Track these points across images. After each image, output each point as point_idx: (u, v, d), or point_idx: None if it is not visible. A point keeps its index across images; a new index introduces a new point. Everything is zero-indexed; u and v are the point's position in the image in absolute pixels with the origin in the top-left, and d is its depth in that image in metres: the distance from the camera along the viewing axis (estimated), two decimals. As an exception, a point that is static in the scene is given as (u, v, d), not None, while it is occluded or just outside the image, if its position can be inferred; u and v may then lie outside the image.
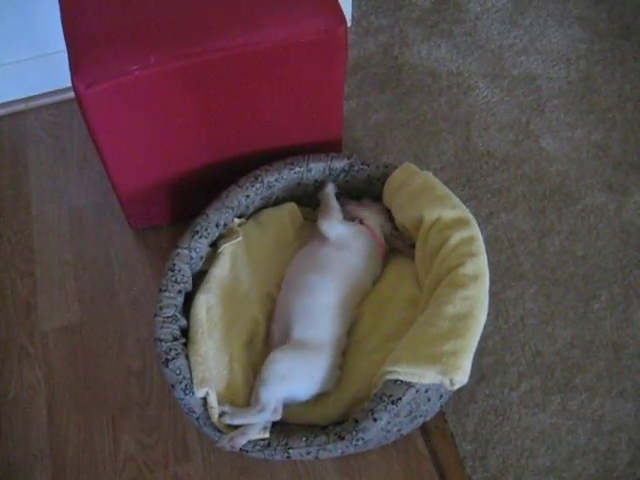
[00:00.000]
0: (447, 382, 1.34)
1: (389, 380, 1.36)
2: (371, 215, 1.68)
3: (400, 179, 1.65)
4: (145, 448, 1.57)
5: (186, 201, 1.79)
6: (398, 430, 1.45)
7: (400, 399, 1.34)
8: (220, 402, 1.42)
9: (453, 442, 1.56)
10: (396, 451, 1.54)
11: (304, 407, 1.49)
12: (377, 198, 1.75)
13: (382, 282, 1.65)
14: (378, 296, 1.62)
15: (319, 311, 1.51)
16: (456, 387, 1.36)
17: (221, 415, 1.40)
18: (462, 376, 1.34)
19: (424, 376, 1.34)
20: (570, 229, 1.86)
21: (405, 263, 1.66)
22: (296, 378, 1.43)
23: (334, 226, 1.63)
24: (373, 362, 1.48)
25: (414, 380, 1.34)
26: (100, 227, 1.91)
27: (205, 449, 1.56)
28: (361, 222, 1.67)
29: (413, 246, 1.63)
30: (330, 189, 1.70)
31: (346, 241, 1.61)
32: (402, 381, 1.35)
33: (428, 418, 1.51)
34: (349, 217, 1.69)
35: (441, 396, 1.45)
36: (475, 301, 1.40)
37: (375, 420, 1.34)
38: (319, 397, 1.49)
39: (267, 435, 1.40)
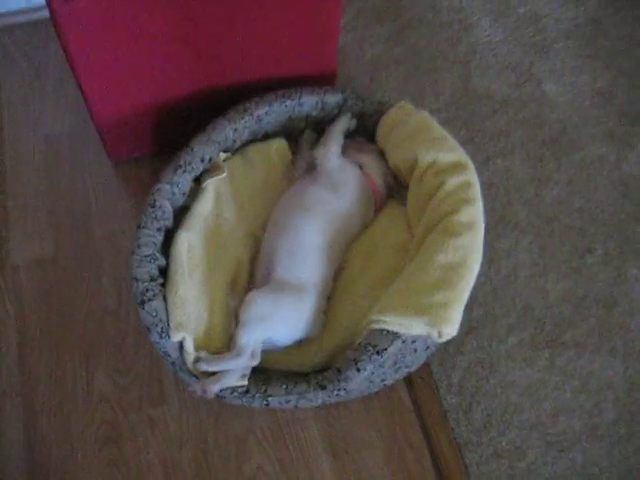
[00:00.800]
0: (435, 334, 1.30)
1: (375, 329, 1.31)
2: (372, 162, 1.61)
3: (395, 118, 1.57)
4: (119, 389, 1.53)
5: (170, 131, 1.70)
6: (382, 380, 1.41)
7: (385, 349, 1.29)
8: (197, 348, 1.36)
9: (437, 394, 1.53)
10: (379, 401, 1.51)
11: (285, 353, 1.44)
12: (369, 137, 1.67)
13: (372, 226, 1.59)
14: (367, 241, 1.56)
15: (303, 251, 1.45)
16: (444, 339, 1.31)
17: (196, 361, 1.34)
18: (451, 329, 1.29)
19: (411, 327, 1.29)
20: (568, 179, 1.79)
21: (397, 207, 1.60)
22: (276, 321, 1.37)
23: (331, 156, 1.56)
24: (359, 309, 1.43)
25: (401, 331, 1.29)
26: (77, 157, 1.83)
27: (181, 392, 1.52)
28: (360, 168, 1.59)
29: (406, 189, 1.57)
30: (343, 121, 1.62)
31: (337, 181, 1.54)
32: (388, 331, 1.30)
33: (413, 369, 1.47)
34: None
35: (427, 347, 1.40)
36: (468, 250, 1.34)
37: (359, 370, 1.30)
38: (301, 343, 1.44)
39: (245, 382, 1.35)
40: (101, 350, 1.57)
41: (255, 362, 1.34)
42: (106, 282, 1.65)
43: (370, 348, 1.30)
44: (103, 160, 1.80)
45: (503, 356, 1.56)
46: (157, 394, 1.52)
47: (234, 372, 1.32)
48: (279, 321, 1.37)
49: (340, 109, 1.64)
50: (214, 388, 1.31)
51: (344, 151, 1.61)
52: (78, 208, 1.75)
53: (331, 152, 1.57)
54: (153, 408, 1.50)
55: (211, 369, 1.33)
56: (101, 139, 1.72)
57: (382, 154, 1.63)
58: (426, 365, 1.54)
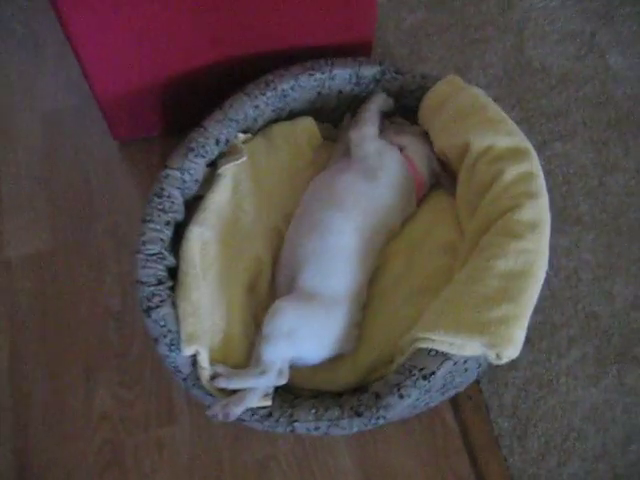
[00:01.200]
0: (493, 355, 1.10)
1: (421, 349, 1.12)
2: (415, 144, 1.40)
3: (443, 94, 1.37)
4: (123, 405, 1.35)
5: (182, 109, 1.51)
6: (426, 404, 1.22)
7: (433, 374, 1.10)
8: (213, 362, 1.18)
9: (487, 417, 1.33)
10: (420, 424, 1.32)
11: (314, 369, 1.24)
12: (410, 118, 1.47)
13: (414, 222, 1.38)
14: (408, 239, 1.35)
15: (334, 255, 1.25)
16: (503, 362, 1.10)
17: (214, 377, 1.16)
18: (513, 350, 1.09)
19: (465, 347, 1.09)
20: (637, 166, 1.58)
21: (443, 199, 1.39)
22: (304, 337, 1.18)
23: (367, 139, 1.35)
24: (400, 320, 1.24)
25: (452, 351, 1.10)
26: (78, 138, 1.64)
27: (194, 410, 1.34)
28: (401, 152, 1.38)
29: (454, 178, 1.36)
30: (379, 98, 1.41)
31: (374, 166, 1.33)
32: (437, 351, 1.10)
33: (461, 389, 1.27)
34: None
35: (480, 365, 1.20)
36: (533, 255, 1.13)
37: (402, 397, 1.10)
38: (333, 359, 1.24)
39: (269, 403, 1.17)
40: (103, 360, 1.39)
41: (283, 380, 1.16)
42: (109, 281, 1.47)
43: (415, 372, 1.10)
44: (107, 141, 1.61)
45: (564, 372, 1.37)
46: (166, 412, 1.34)
47: (257, 391, 1.14)
48: (308, 337, 1.19)
49: (377, 84, 1.42)
50: (237, 410, 1.13)
51: (381, 133, 1.40)
52: (79, 196, 1.57)
53: (366, 134, 1.36)
54: (161, 428, 1.33)
55: (231, 386, 1.15)
56: (104, 118, 1.54)
57: (426, 136, 1.42)
58: (475, 382, 1.34)
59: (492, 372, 1.35)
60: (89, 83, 1.42)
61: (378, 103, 1.41)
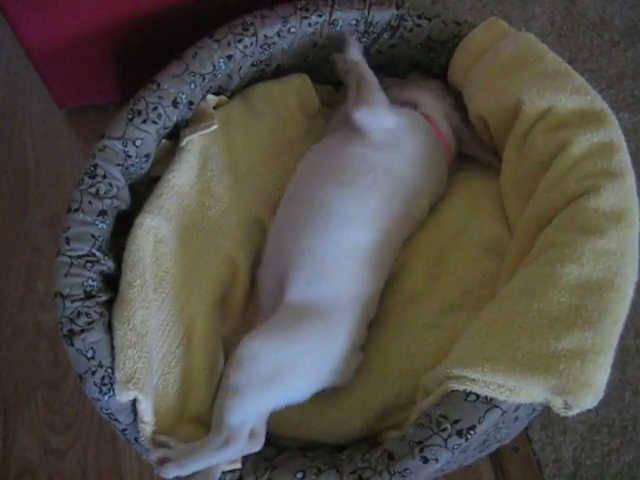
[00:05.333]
0: (559, 403, 0.77)
1: (455, 392, 0.80)
2: (430, 99, 1.08)
3: (482, 43, 1.07)
4: (53, 454, 1.07)
5: (139, 67, 1.17)
6: (458, 464, 0.90)
7: (473, 428, 0.77)
8: (160, 417, 0.87)
9: (540, 475, 1.02)
10: (449, 485, 1.00)
11: (304, 412, 0.92)
12: (439, 78, 1.16)
13: (443, 211, 1.05)
14: (434, 235, 1.03)
15: (340, 252, 0.93)
16: (574, 412, 0.77)
17: (160, 462, 0.84)
18: (592, 397, 0.76)
19: (520, 391, 0.77)
20: None
21: (481, 181, 1.06)
22: (291, 377, 0.86)
23: (382, 117, 1.01)
24: (423, 346, 0.94)
25: (500, 397, 0.77)
26: (16, 107, 1.39)
27: (144, 464, 1.02)
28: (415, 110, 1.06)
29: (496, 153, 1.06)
30: (355, 51, 1.07)
31: (395, 139, 1.00)
32: (478, 396, 0.78)
33: (507, 441, 0.94)
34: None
35: (533, 410, 0.89)
36: (617, 259, 0.81)
37: (426, 461, 0.79)
38: (329, 397, 0.92)
39: (238, 466, 0.86)
40: (29, 392, 1.11)
41: (257, 447, 0.85)
42: (42, 289, 1.21)
43: (446, 425, 0.78)
44: (51, 110, 1.36)
45: None
46: (109, 464, 1.06)
47: (221, 465, 0.84)
48: (295, 376, 0.87)
49: (393, 33, 1.11)
50: (175, 472, 0.83)
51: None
52: (13, 176, 1.31)
53: (380, 110, 1.01)
54: (103, 486, 1.04)
55: (185, 473, 0.83)
56: (44, 81, 1.29)
57: (449, 91, 1.13)
58: (523, 429, 1.01)
59: (545, 415, 1.04)
60: (16, 35, 1.16)
61: (358, 51, 1.07)
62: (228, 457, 0.83)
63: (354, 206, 0.95)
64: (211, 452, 0.82)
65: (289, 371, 0.86)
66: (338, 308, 0.91)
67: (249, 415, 0.83)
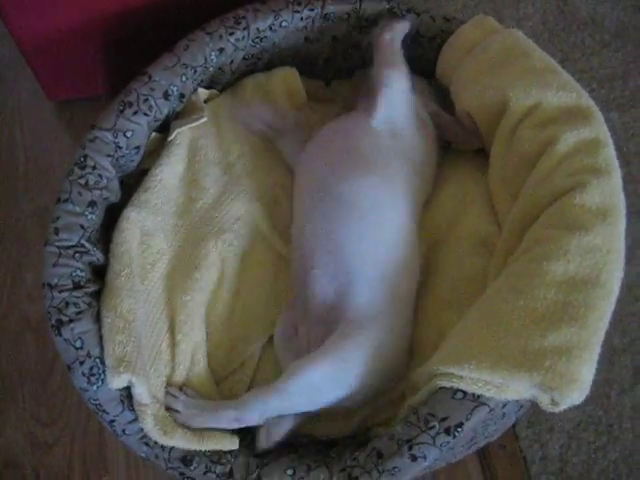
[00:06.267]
0: (546, 400, 0.78)
1: (443, 389, 0.81)
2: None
3: (470, 40, 1.08)
4: (39, 448, 1.07)
5: (130, 59, 1.18)
6: (446, 461, 0.90)
7: (461, 426, 0.79)
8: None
9: (527, 472, 1.03)
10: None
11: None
12: (426, 74, 1.16)
13: (432, 207, 1.06)
14: (426, 230, 1.03)
15: (394, 248, 0.94)
16: (561, 408, 0.78)
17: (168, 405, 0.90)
18: (577, 393, 0.77)
19: (507, 388, 0.78)
20: None
21: (471, 177, 1.07)
22: (339, 393, 0.88)
23: (404, 84, 1.04)
24: (414, 341, 0.95)
25: (487, 394, 0.79)
26: (5, 98, 1.38)
27: (132, 457, 1.04)
28: None
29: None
30: (403, 28, 1.08)
31: (402, 127, 1.03)
32: (465, 393, 0.79)
33: (494, 438, 0.95)
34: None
35: (521, 407, 0.90)
36: (603, 255, 0.83)
37: (414, 459, 0.80)
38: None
39: (235, 446, 0.88)
40: (15, 385, 1.11)
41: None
42: (31, 281, 1.20)
43: (434, 423, 0.79)
44: (41, 102, 1.35)
45: (628, 414, 1.07)
46: (96, 457, 1.06)
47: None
48: (343, 392, 0.88)
49: (383, 26, 1.11)
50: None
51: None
52: (2, 168, 1.31)
53: (405, 80, 1.05)
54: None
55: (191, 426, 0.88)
56: (34, 72, 1.28)
57: (427, 86, 1.15)
58: (510, 427, 1.02)
59: (532, 412, 1.05)
60: (8, 28, 1.16)
61: (403, 31, 1.08)
62: (235, 427, 0.88)
63: (389, 193, 0.96)
64: (219, 419, 0.88)
65: (341, 390, 0.87)
66: (399, 310, 0.92)
67: (273, 411, 0.87)
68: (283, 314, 0.98)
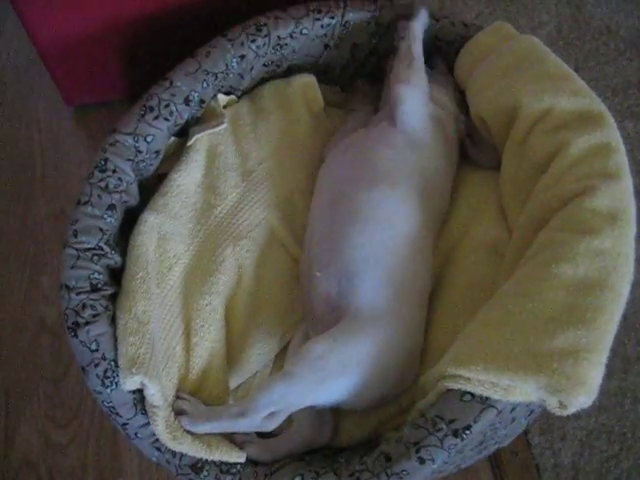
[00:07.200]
0: (554, 402, 0.80)
1: (451, 391, 0.83)
2: (443, 97, 1.14)
3: (487, 45, 1.12)
4: (53, 448, 1.10)
5: (148, 65, 1.26)
6: (456, 466, 0.93)
7: (469, 428, 0.81)
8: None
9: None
10: (447, 488, 1.04)
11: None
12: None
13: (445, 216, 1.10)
14: (439, 241, 1.07)
15: (402, 250, 0.97)
16: (569, 412, 0.81)
17: (178, 412, 0.92)
18: (585, 396, 0.79)
19: (514, 390, 0.81)
20: None
21: (483, 185, 1.11)
22: (345, 380, 0.90)
23: (417, 98, 1.07)
24: (425, 347, 0.97)
25: (495, 396, 0.81)
26: (23, 103, 1.43)
27: (146, 458, 1.04)
28: None
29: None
30: (419, 26, 1.12)
31: (423, 136, 1.06)
32: (473, 395, 0.82)
33: (505, 444, 0.97)
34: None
35: (531, 412, 0.92)
36: (612, 259, 0.85)
37: (422, 462, 0.82)
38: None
39: (242, 460, 0.90)
40: (31, 387, 1.15)
41: (269, 427, 0.89)
42: (46, 283, 1.25)
43: (442, 425, 0.81)
44: (59, 107, 1.42)
45: None
46: (109, 460, 1.10)
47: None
48: (349, 381, 0.90)
49: (402, 29, 1.16)
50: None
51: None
52: (20, 171, 1.36)
53: (418, 93, 1.08)
54: (102, 480, 1.08)
55: (197, 431, 0.90)
56: (53, 78, 1.34)
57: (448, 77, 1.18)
58: (522, 433, 1.04)
59: (545, 420, 1.08)
60: (28, 32, 1.22)
61: (425, 26, 1.12)
62: (240, 428, 0.89)
63: (399, 204, 0.99)
64: (225, 419, 0.89)
65: (346, 376, 0.89)
66: (407, 310, 0.95)
67: (280, 402, 0.87)
68: (300, 328, 1.02)
